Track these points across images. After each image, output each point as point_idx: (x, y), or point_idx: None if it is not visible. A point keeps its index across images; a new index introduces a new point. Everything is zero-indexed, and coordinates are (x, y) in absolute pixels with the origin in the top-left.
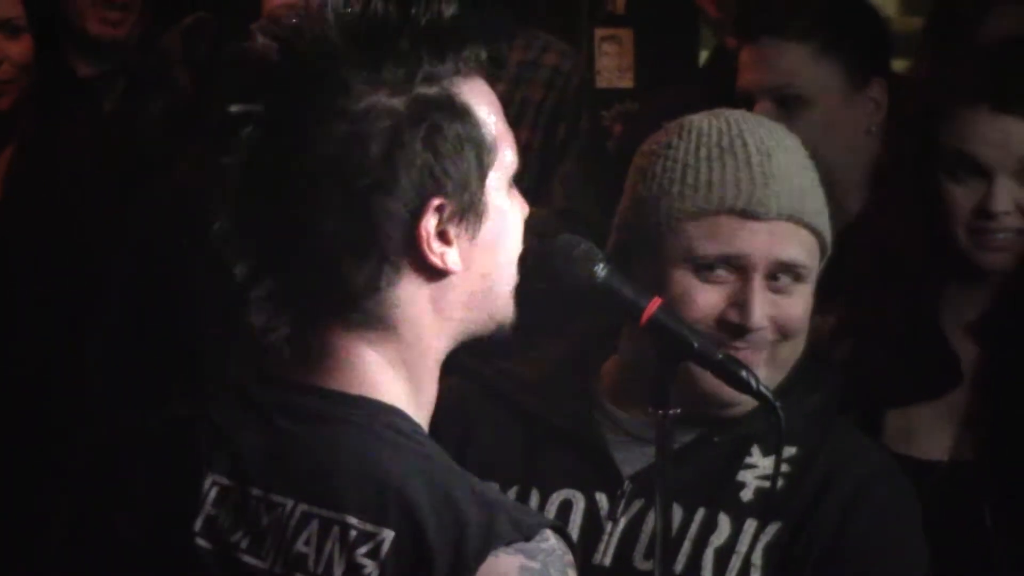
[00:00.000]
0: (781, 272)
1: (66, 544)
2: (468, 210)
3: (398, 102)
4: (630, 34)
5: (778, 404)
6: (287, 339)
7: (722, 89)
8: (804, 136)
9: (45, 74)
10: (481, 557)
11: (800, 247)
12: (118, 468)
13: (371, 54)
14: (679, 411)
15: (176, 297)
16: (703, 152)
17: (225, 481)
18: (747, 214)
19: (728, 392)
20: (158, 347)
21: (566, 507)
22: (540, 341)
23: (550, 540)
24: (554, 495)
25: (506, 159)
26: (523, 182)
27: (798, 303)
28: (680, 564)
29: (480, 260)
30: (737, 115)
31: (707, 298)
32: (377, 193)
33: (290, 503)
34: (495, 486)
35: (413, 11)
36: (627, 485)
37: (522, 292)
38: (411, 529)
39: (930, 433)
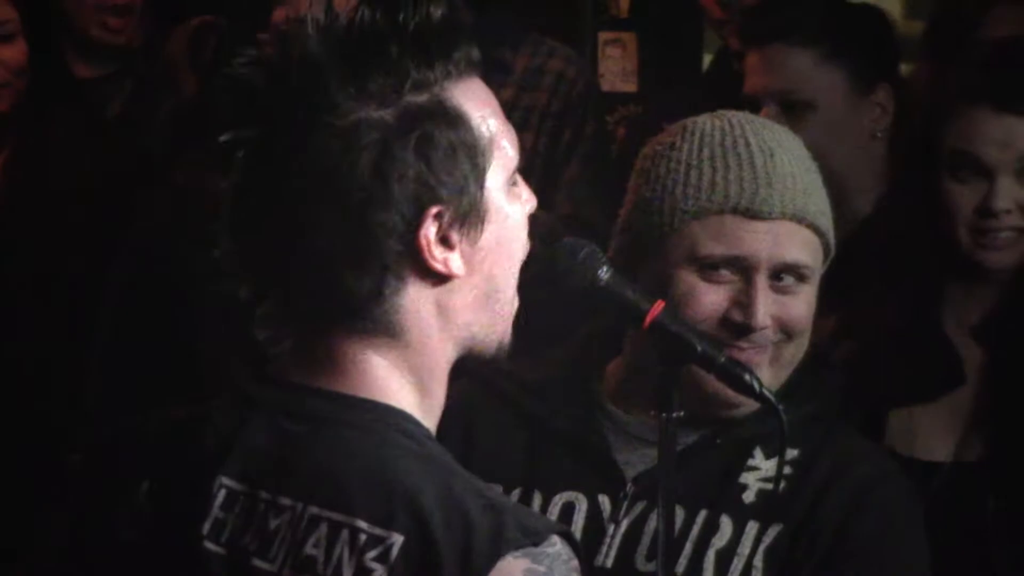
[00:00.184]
0: (784, 272)
1: (68, 547)
2: (468, 214)
3: (386, 114)
4: (634, 37)
5: (781, 407)
6: (292, 346)
7: (726, 92)
8: (809, 140)
9: (42, 78)
10: (490, 563)
11: (803, 247)
12: (121, 470)
13: (357, 67)
14: (683, 414)
15: (176, 299)
16: (706, 152)
17: (233, 484)
18: (750, 213)
19: (732, 393)
20: (158, 349)
21: (568, 509)
22: (545, 344)
23: (557, 545)
24: (557, 497)
25: (505, 157)
26: (528, 186)
27: (801, 303)
28: (681, 566)
29: (484, 262)
30: (740, 116)
31: (711, 298)
32: (372, 207)
33: (299, 506)
34: (499, 489)
35: (400, 18)
36: (630, 487)
37: (527, 295)
38: (420, 534)
39: (932, 434)
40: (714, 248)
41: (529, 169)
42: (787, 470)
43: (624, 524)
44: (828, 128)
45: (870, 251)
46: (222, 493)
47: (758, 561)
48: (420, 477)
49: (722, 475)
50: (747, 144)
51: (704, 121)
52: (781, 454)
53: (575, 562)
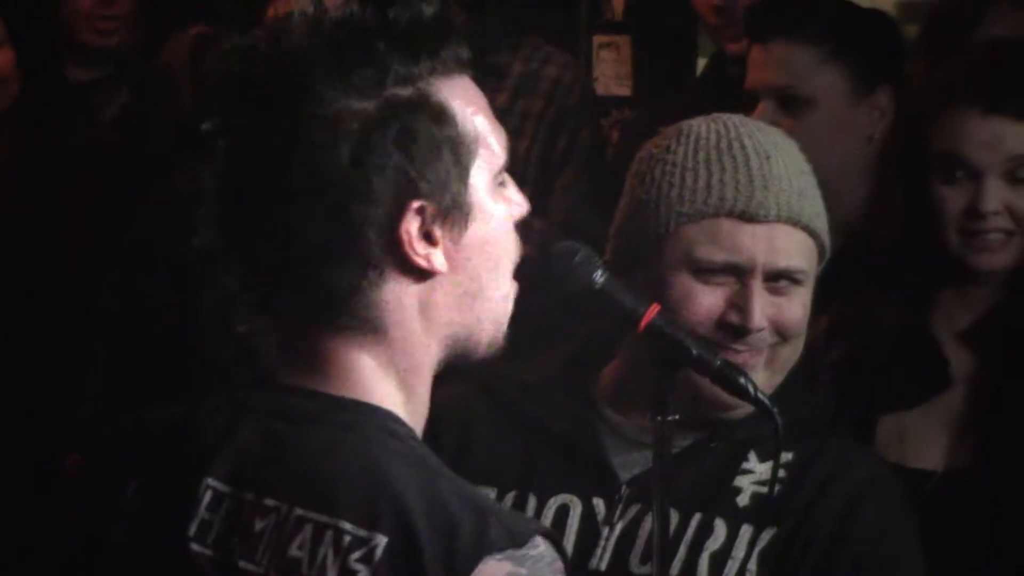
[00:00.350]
0: (780, 276)
1: (59, 549)
2: (451, 210)
3: (368, 105)
4: (628, 41)
5: (776, 410)
6: (278, 344)
7: (720, 96)
8: (805, 139)
9: (35, 83)
10: (472, 565)
11: (798, 251)
12: (110, 472)
13: (341, 60)
14: (678, 417)
15: (175, 302)
16: (701, 156)
17: (219, 485)
18: (746, 217)
19: (727, 395)
20: (158, 350)
21: (563, 512)
22: (540, 346)
23: (540, 547)
24: (551, 500)
25: (491, 156)
26: (524, 193)
27: (796, 305)
28: (675, 569)
29: (468, 260)
30: (735, 119)
31: (707, 300)
32: (352, 198)
33: (284, 507)
34: (485, 492)
35: (389, 14)
36: (624, 490)
37: (523, 299)
38: (404, 535)
39: (922, 441)
40: (710, 252)
41: (524, 175)
42: (781, 473)
43: (619, 527)
44: (826, 127)
45: (862, 253)
46: (208, 494)
47: (752, 564)
48: (405, 478)
49: (716, 478)
50: (742, 147)
51: (699, 124)
52: (776, 457)
53: (559, 564)
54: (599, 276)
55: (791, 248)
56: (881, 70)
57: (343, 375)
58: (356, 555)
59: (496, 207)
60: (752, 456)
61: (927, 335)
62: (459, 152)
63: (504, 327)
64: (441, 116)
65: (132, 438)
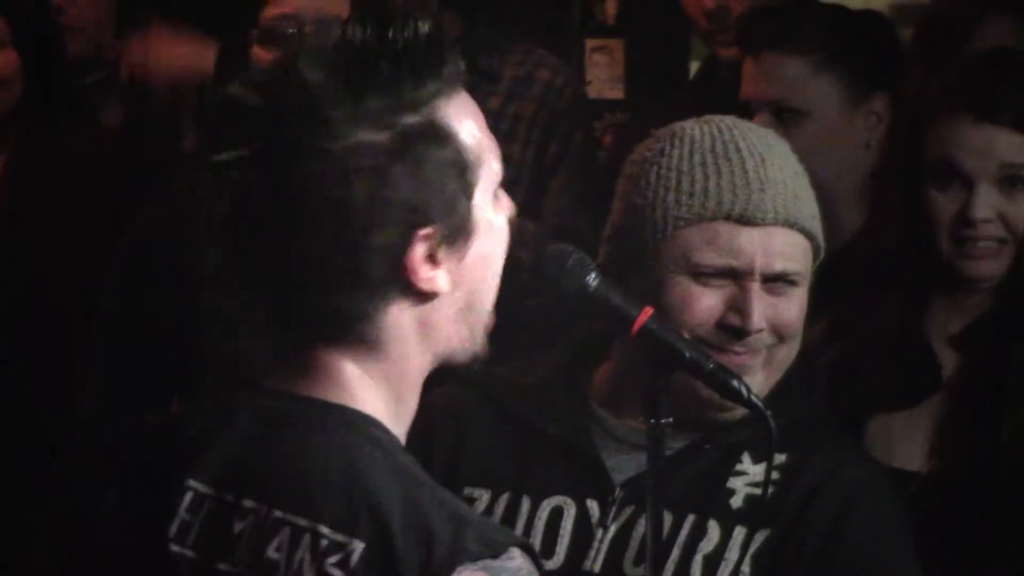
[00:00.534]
0: (777, 278)
1: (48, 549)
2: (457, 232)
3: (382, 137)
4: (621, 44)
5: (769, 413)
6: (271, 352)
7: (713, 99)
8: (801, 148)
9: (39, 84)
10: (447, 573)
11: (795, 253)
12: (98, 475)
13: (351, 87)
14: (672, 420)
15: (175, 302)
16: (697, 158)
17: (200, 487)
18: (744, 220)
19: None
20: (157, 351)
21: (557, 514)
22: (533, 348)
23: (516, 559)
24: (545, 502)
25: (490, 172)
26: (515, 197)
27: (793, 306)
28: (669, 571)
29: (468, 277)
30: (728, 121)
31: (706, 303)
32: (361, 231)
33: (263, 509)
34: (479, 493)
35: (390, 35)
36: (618, 492)
37: (516, 301)
38: (381, 541)
39: (909, 442)
40: (709, 255)
41: (516, 179)
42: (775, 475)
43: (612, 529)
44: (821, 136)
45: (857, 257)
46: (189, 496)
47: (745, 567)
48: (385, 485)
49: (710, 480)
50: (738, 149)
51: (692, 126)
52: (770, 459)
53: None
54: (592, 279)
55: (788, 250)
56: (876, 76)
57: (330, 381)
58: (333, 559)
59: (496, 220)
60: (746, 458)
61: (920, 338)
62: (464, 174)
63: (487, 327)
64: (448, 141)
65: (120, 439)
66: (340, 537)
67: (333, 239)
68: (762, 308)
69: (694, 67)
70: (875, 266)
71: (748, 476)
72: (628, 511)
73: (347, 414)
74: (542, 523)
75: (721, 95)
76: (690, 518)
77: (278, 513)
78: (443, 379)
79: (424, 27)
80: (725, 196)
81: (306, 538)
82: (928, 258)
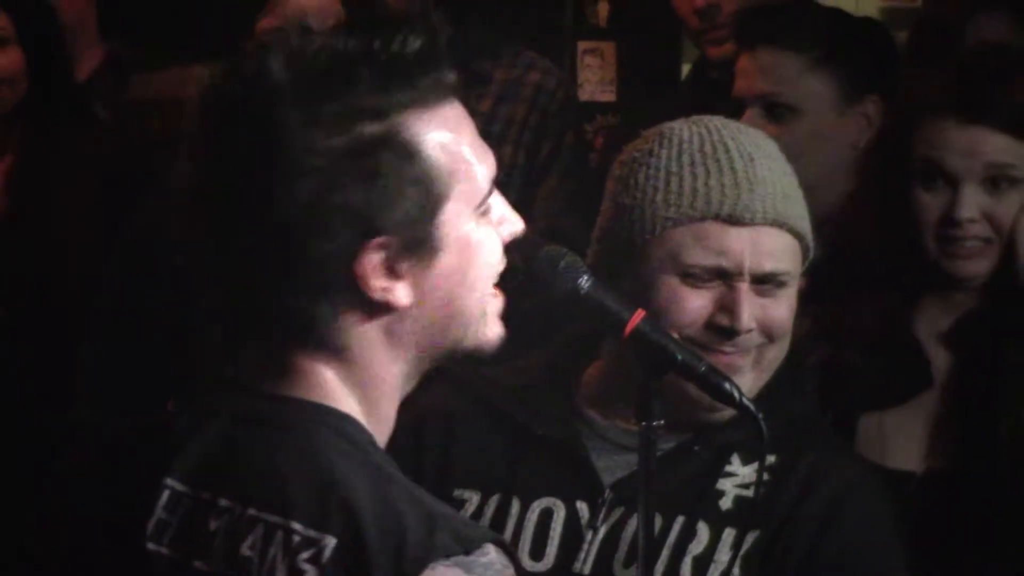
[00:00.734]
0: (766, 278)
1: (38, 547)
2: (417, 246)
3: (336, 142)
4: (612, 47)
5: (760, 416)
6: (248, 354)
7: (704, 101)
8: (790, 146)
9: (40, 84)
10: (419, 569)
11: (784, 252)
12: (82, 475)
13: (312, 91)
14: (663, 422)
15: (172, 304)
16: (686, 159)
17: (177, 485)
18: (733, 220)
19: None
20: (154, 350)
21: (547, 515)
22: (522, 348)
23: (490, 554)
24: (535, 503)
25: (471, 186)
26: (506, 199)
27: (782, 305)
28: (659, 573)
29: (437, 291)
30: (716, 121)
31: (696, 303)
32: (309, 234)
33: (238, 507)
34: (469, 495)
35: (369, 45)
36: (608, 493)
37: (508, 303)
38: (353, 537)
39: (902, 441)
40: (698, 255)
41: (508, 181)
42: (764, 476)
43: (602, 531)
44: (810, 135)
45: (845, 255)
46: (166, 494)
47: (735, 568)
48: (357, 482)
49: (699, 481)
50: (727, 150)
51: (681, 127)
52: (762, 462)
53: (510, 571)
54: (584, 282)
55: (777, 250)
56: (869, 79)
57: (307, 383)
58: (304, 555)
59: (479, 235)
60: (735, 459)
61: (909, 335)
62: (429, 190)
63: (491, 333)
64: (411, 154)
65: (105, 440)
66: (312, 533)
67: (281, 240)
68: (751, 308)
69: (685, 69)
70: (861, 264)
71: (737, 477)
72: (618, 512)
73: (323, 412)
74: (532, 524)
75: (712, 96)
76: (679, 520)
77: (252, 511)
78: (433, 380)
79: (414, 41)
80: (714, 196)
81: (279, 535)
82: (915, 257)
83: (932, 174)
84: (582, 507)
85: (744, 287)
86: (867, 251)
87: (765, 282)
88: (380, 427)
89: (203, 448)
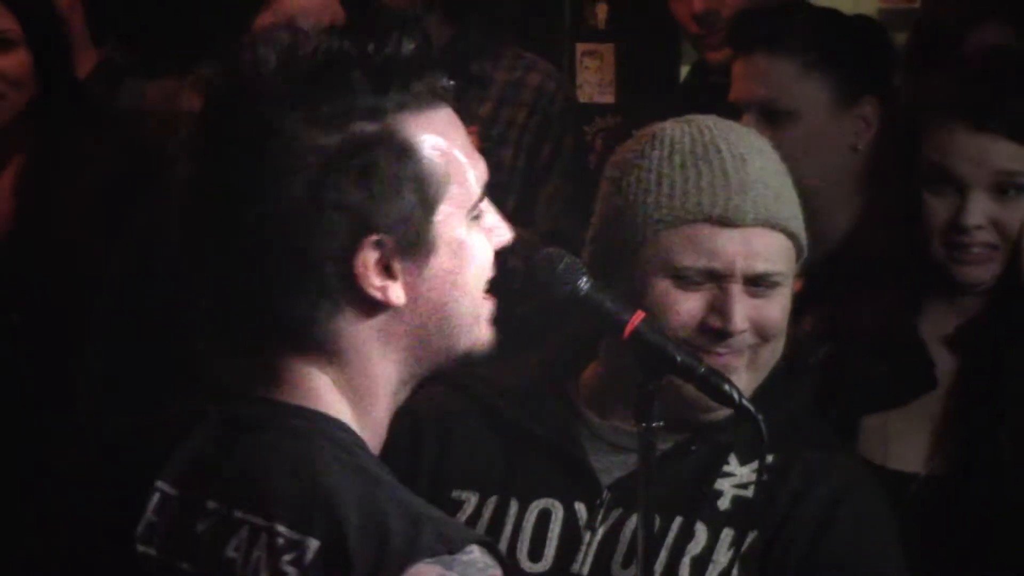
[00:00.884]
0: (759, 279)
1: (36, 547)
2: (412, 246)
3: (331, 140)
4: (611, 49)
5: (760, 417)
6: (240, 358)
7: (703, 103)
8: (788, 149)
9: (47, 86)
10: (402, 568)
11: (776, 254)
12: (77, 476)
13: (308, 90)
14: (663, 424)
15: (172, 305)
16: (677, 160)
17: (167, 488)
18: (724, 221)
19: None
20: (155, 351)
21: (545, 516)
22: (518, 347)
23: (474, 554)
24: (533, 504)
25: (465, 190)
26: (507, 202)
27: (776, 306)
28: (657, 573)
29: (431, 293)
30: (709, 121)
31: (688, 305)
32: (306, 233)
33: (225, 510)
34: (467, 495)
35: (365, 46)
36: (605, 495)
37: (506, 305)
38: (336, 539)
39: (905, 443)
40: (689, 258)
41: (508, 184)
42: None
43: (600, 532)
44: (808, 139)
45: (851, 256)
46: (156, 496)
47: (734, 569)
48: (343, 485)
49: (697, 482)
50: (718, 150)
51: (673, 127)
52: (761, 463)
53: (495, 571)
54: (584, 283)
55: (769, 251)
56: (866, 80)
57: (297, 387)
58: (287, 557)
59: (471, 240)
60: (732, 459)
61: (913, 337)
62: (424, 190)
63: (483, 337)
64: (406, 153)
65: (100, 443)
66: (295, 535)
67: (278, 239)
68: (744, 309)
69: (684, 71)
70: (868, 266)
71: (735, 477)
72: (616, 513)
73: (312, 416)
74: (530, 526)
75: (711, 98)
76: (677, 520)
77: (238, 513)
78: (429, 382)
79: (408, 44)
80: (704, 198)
81: (263, 537)
82: (921, 261)
83: (940, 179)
84: (580, 508)
85: (736, 288)
86: (873, 253)
87: (758, 283)
88: (372, 432)
89: (193, 451)
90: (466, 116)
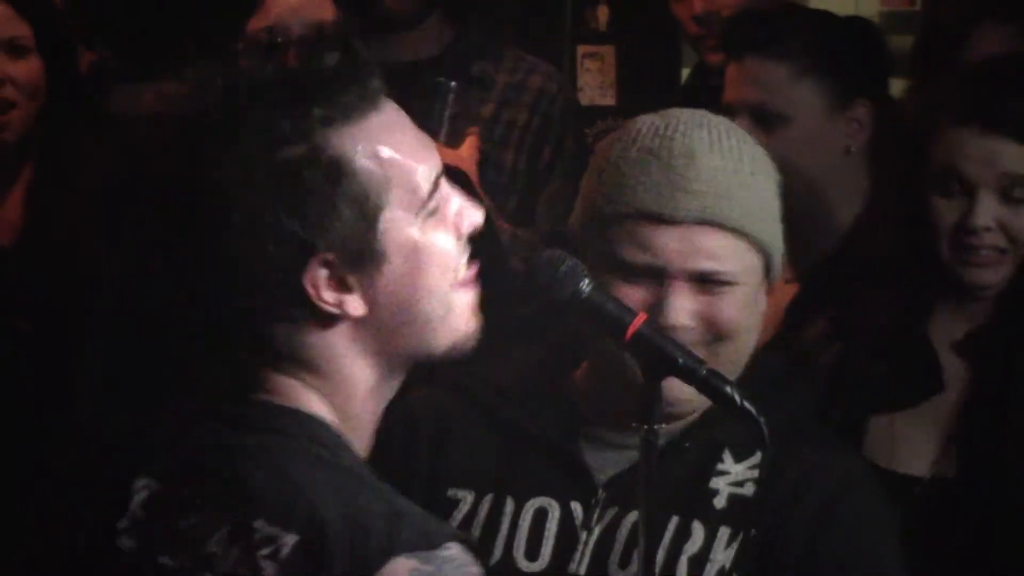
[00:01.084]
0: (703, 277)
1: (34, 544)
2: (360, 258)
3: (258, 171)
4: (612, 51)
5: (762, 419)
6: (228, 368)
7: (703, 105)
8: (781, 153)
9: (58, 93)
10: (380, 564)
11: (723, 252)
12: (69, 475)
13: (231, 123)
14: (663, 426)
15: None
16: (633, 154)
17: (153, 484)
18: (662, 219)
19: (682, 392)
20: (155, 352)
21: (541, 515)
22: (515, 345)
23: (452, 550)
24: (529, 503)
25: (411, 191)
26: (508, 204)
27: (728, 304)
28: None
29: (391, 298)
30: (685, 115)
31: (631, 300)
32: (249, 262)
33: (208, 506)
34: (463, 495)
35: (293, 66)
36: (601, 493)
37: (506, 307)
38: (315, 534)
39: (912, 447)
40: (630, 253)
41: (509, 186)
42: (757, 473)
43: (596, 531)
44: (801, 141)
45: (852, 258)
46: (143, 493)
47: (730, 567)
48: (324, 482)
49: (692, 480)
50: (669, 147)
51: (647, 120)
52: (763, 464)
53: (473, 569)
54: (585, 285)
55: (712, 250)
56: (859, 83)
57: (282, 392)
58: (264, 551)
59: (428, 238)
60: (727, 456)
61: (921, 339)
62: (362, 202)
63: (463, 328)
64: (337, 170)
65: (92, 440)
66: (274, 531)
67: (224, 269)
68: (687, 306)
69: (685, 73)
70: (871, 268)
71: (730, 475)
72: (612, 512)
73: (296, 416)
74: (527, 524)
75: (711, 100)
76: (674, 520)
77: (221, 510)
78: (424, 381)
79: (330, 58)
80: (642, 193)
81: (243, 532)
82: (929, 263)
83: (949, 181)
84: (576, 507)
85: (676, 285)
86: (876, 254)
87: (705, 281)
88: (356, 430)
89: (183, 449)
90: (468, 117)
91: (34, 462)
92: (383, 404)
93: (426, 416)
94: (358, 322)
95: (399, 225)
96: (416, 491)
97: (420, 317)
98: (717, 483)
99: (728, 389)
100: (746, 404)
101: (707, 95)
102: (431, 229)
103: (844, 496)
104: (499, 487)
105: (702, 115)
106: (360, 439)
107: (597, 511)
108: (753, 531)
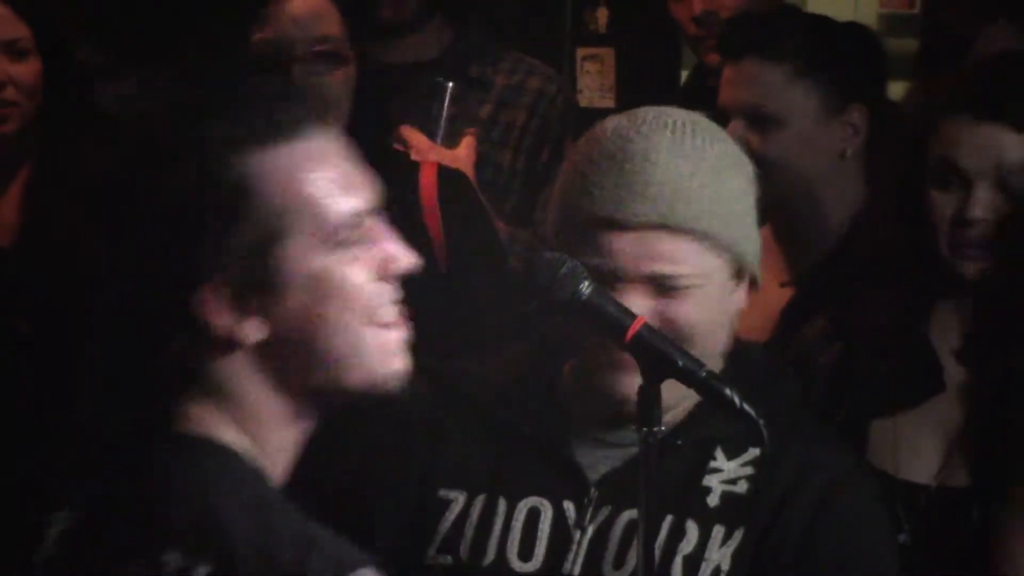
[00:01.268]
0: (659, 280)
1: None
2: (256, 283)
3: (163, 185)
4: (611, 53)
5: (761, 422)
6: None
7: (702, 107)
8: (775, 156)
9: (57, 94)
10: None
11: (680, 255)
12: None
13: (153, 132)
14: (664, 428)
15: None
16: (594, 156)
17: (69, 517)
18: (614, 224)
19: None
20: (154, 355)
21: (534, 515)
22: (503, 342)
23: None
24: (521, 503)
25: (316, 222)
26: (506, 205)
27: (687, 306)
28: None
29: (292, 328)
30: (651, 115)
31: None
32: (140, 290)
33: (121, 537)
34: (455, 495)
35: (218, 87)
36: (593, 492)
37: (505, 308)
38: (226, 565)
39: (914, 451)
40: (585, 255)
41: (508, 187)
42: (750, 471)
43: (590, 530)
44: (793, 144)
45: (850, 258)
46: (59, 526)
47: (725, 565)
48: (235, 512)
49: (685, 479)
50: (625, 149)
51: (614, 120)
52: (762, 465)
53: None
54: (585, 287)
55: (668, 253)
56: (854, 87)
57: (195, 420)
58: None
59: (327, 272)
60: (719, 454)
61: (921, 338)
62: (257, 227)
63: (382, 371)
64: (234, 195)
65: (100, 440)
66: (185, 562)
67: (121, 292)
68: (643, 309)
69: (685, 75)
70: (874, 266)
71: (723, 473)
72: (605, 511)
73: (208, 446)
74: (519, 524)
75: (711, 102)
76: (668, 519)
77: (134, 540)
78: (415, 381)
79: (263, 83)
80: (596, 198)
81: (155, 563)
82: (928, 258)
83: (947, 173)
84: (569, 507)
85: (630, 288)
86: (876, 253)
87: (662, 284)
88: (273, 458)
89: (96, 480)
90: (466, 118)
91: (30, 461)
92: (303, 434)
93: (418, 417)
94: (261, 349)
95: (303, 254)
96: (408, 493)
97: (327, 353)
98: (710, 481)
99: (727, 391)
100: (746, 406)
101: (706, 96)
102: (343, 263)
103: (838, 493)
104: (491, 487)
105: (669, 113)
106: (275, 466)
107: (590, 510)
108: (747, 529)
